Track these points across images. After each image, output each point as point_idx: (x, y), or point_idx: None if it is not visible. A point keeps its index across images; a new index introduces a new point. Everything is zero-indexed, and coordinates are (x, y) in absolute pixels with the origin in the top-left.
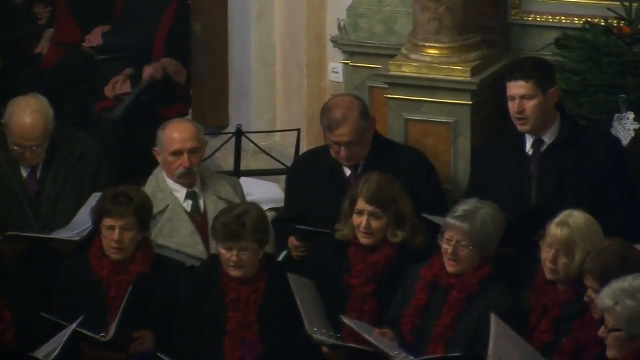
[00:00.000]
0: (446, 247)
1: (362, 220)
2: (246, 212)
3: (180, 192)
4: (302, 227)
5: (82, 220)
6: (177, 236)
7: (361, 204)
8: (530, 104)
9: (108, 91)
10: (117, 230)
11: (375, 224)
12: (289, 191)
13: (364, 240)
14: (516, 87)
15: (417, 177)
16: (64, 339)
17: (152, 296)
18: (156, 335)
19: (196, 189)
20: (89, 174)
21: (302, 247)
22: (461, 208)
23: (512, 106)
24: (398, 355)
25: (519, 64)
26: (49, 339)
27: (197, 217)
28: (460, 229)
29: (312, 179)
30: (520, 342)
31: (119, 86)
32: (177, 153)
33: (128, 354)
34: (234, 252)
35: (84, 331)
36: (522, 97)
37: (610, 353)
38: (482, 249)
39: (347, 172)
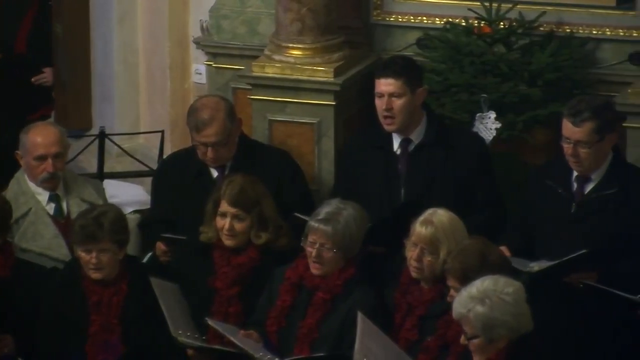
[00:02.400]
0: (310, 250)
1: (226, 222)
2: (104, 214)
3: (43, 195)
4: (167, 235)
5: None
6: (40, 239)
7: (224, 206)
8: (398, 102)
9: None
10: None
11: (238, 226)
12: (155, 193)
13: (227, 242)
14: (385, 85)
15: (283, 178)
16: None
17: (12, 300)
18: (17, 339)
19: (59, 192)
20: None
21: (170, 252)
22: (324, 211)
23: (380, 103)
24: (263, 357)
25: (389, 61)
26: None
27: (60, 220)
28: (324, 232)
29: (179, 180)
30: (386, 340)
31: None
32: (41, 158)
33: None
34: (93, 254)
35: None
36: (391, 94)
37: (476, 359)
38: (345, 250)
39: (215, 173)
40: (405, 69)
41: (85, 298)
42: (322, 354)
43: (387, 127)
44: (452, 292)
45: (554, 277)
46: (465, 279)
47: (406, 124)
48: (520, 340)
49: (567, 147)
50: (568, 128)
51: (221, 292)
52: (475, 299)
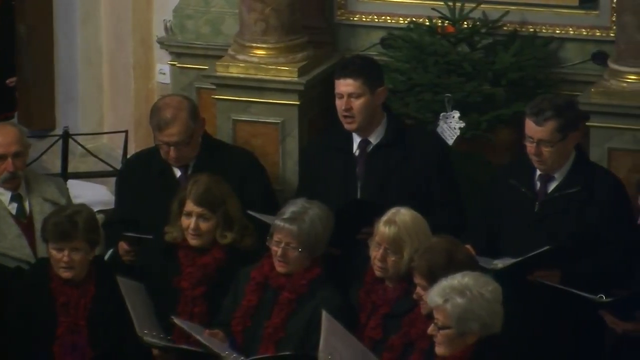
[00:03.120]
0: (276, 249)
1: (191, 222)
2: (78, 213)
3: (5, 195)
4: (129, 234)
5: None
6: (3, 240)
7: (190, 206)
8: (357, 103)
9: None
10: None
11: (204, 225)
12: (119, 193)
13: (192, 241)
14: (344, 85)
15: (247, 178)
16: None
17: None
18: None
19: (21, 192)
20: None
21: (133, 251)
22: (289, 210)
23: (340, 104)
24: (229, 356)
25: (348, 62)
26: None
27: (22, 220)
28: (289, 231)
29: (143, 180)
30: (351, 339)
31: None
32: (1, 157)
33: None
34: (66, 253)
35: None
36: (350, 95)
37: (439, 350)
38: (311, 250)
39: (178, 173)
40: (364, 69)
41: (53, 299)
42: (287, 353)
43: (347, 126)
44: (418, 289)
45: (518, 275)
46: (432, 277)
47: (366, 124)
48: (488, 340)
49: (529, 146)
50: (530, 127)
51: (186, 292)
52: (456, 290)
